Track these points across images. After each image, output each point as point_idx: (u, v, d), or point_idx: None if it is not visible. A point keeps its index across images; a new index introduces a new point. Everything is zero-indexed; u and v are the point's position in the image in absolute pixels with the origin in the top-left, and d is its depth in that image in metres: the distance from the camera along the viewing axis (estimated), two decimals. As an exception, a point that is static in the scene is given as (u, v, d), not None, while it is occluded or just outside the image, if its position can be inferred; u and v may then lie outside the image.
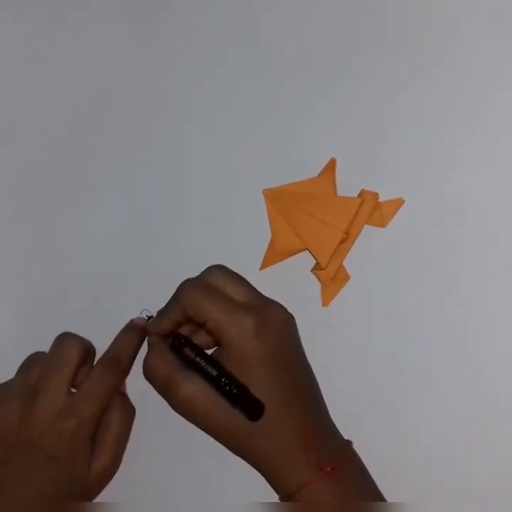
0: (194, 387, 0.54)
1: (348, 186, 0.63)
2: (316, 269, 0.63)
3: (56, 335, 0.63)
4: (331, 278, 0.62)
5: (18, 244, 0.66)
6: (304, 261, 0.63)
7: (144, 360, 0.57)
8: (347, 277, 0.63)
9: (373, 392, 0.63)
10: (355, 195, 0.63)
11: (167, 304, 0.58)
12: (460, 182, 0.63)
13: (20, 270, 0.66)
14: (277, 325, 0.55)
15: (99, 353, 0.60)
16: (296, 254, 0.64)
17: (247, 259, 0.64)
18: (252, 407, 0.54)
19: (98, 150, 0.66)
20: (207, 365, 0.55)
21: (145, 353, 0.58)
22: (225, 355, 0.54)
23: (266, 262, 0.64)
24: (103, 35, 0.67)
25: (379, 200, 0.63)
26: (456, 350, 0.62)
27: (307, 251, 0.63)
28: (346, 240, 0.62)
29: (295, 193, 0.63)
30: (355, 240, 0.63)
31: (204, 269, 0.59)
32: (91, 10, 0.67)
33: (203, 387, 0.54)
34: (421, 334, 0.63)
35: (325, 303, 0.63)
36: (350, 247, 0.63)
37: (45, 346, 0.62)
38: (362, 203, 0.62)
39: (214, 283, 0.56)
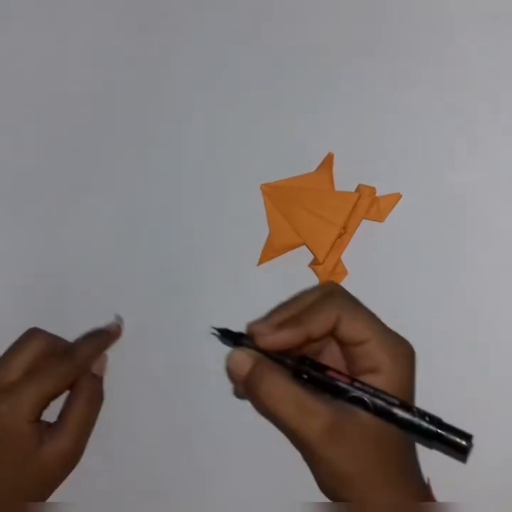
0: (350, 418, 0.48)
1: (345, 181, 0.63)
2: (314, 264, 0.63)
3: (55, 331, 0.63)
4: (329, 273, 0.62)
5: (18, 244, 0.66)
6: (302, 256, 0.63)
7: (259, 389, 0.49)
8: (345, 272, 0.63)
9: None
10: (353, 190, 0.63)
11: (300, 312, 0.50)
12: (457, 176, 0.63)
13: (21, 270, 0.66)
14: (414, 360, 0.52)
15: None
16: (294, 249, 0.64)
17: (245, 255, 0.64)
18: (462, 438, 0.49)
19: (98, 148, 0.67)
20: (377, 394, 0.48)
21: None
22: (381, 383, 0.49)
23: (264, 257, 0.64)
24: (103, 34, 0.68)
25: (376, 194, 0.63)
26: (455, 345, 0.62)
27: (305, 246, 0.63)
28: (344, 234, 0.62)
29: (292, 188, 0.63)
30: (352, 234, 0.63)
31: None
32: (91, 9, 0.68)
33: (362, 419, 0.48)
34: (419, 328, 0.62)
35: (323, 298, 0.63)
36: (348, 242, 0.63)
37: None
38: (359, 197, 0.62)
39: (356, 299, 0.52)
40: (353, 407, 0.48)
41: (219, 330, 0.54)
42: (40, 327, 0.63)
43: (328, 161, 0.63)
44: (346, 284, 0.63)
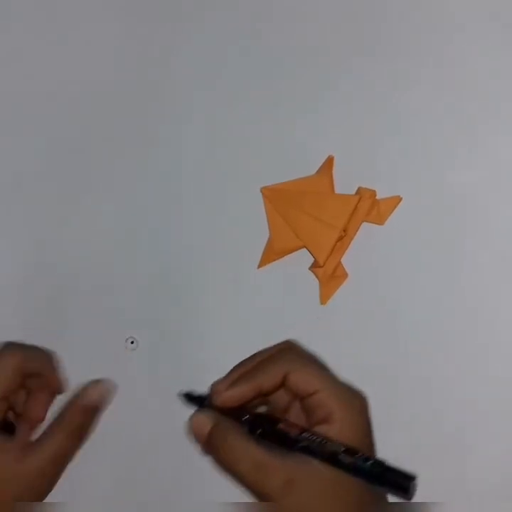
0: (305, 469, 0.49)
1: (345, 184, 0.63)
2: (314, 266, 0.63)
3: (55, 336, 0.63)
4: (329, 276, 0.62)
5: (18, 245, 0.66)
6: (302, 259, 0.63)
7: (219, 450, 0.51)
8: (345, 275, 0.63)
9: (372, 390, 0.62)
10: (353, 192, 0.63)
11: (252, 368, 0.53)
12: (458, 179, 0.63)
13: (21, 270, 0.66)
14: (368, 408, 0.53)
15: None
16: (294, 252, 0.64)
17: (245, 258, 0.64)
18: (404, 480, 0.49)
19: (98, 148, 0.67)
20: (324, 442, 0.49)
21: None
22: (335, 431, 0.50)
23: (264, 260, 0.64)
24: (103, 34, 0.67)
25: (376, 197, 0.63)
26: (455, 347, 0.62)
27: (305, 249, 0.63)
28: (344, 237, 0.62)
29: (293, 191, 0.63)
30: (353, 237, 0.63)
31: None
32: (91, 9, 0.68)
33: (316, 468, 0.49)
34: (420, 331, 0.62)
35: (323, 301, 0.63)
36: (348, 245, 0.63)
37: (46, 342, 0.63)
38: (359, 200, 0.62)
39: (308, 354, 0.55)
40: (307, 457, 0.49)
41: (183, 395, 0.57)
42: (40, 327, 0.63)
43: (328, 164, 0.63)
44: (346, 286, 0.63)
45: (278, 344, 0.55)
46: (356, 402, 0.52)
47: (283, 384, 0.52)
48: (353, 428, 0.50)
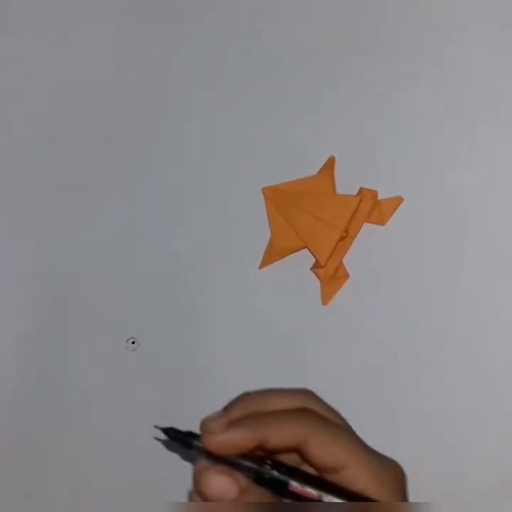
0: None
1: (346, 184, 0.63)
2: (316, 267, 0.63)
3: (56, 337, 0.63)
4: (331, 276, 0.62)
5: (17, 245, 0.66)
6: (304, 259, 0.63)
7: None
8: (346, 275, 0.63)
9: (373, 390, 0.63)
10: (354, 193, 0.63)
11: (262, 415, 0.41)
12: (459, 179, 0.63)
13: (21, 272, 0.66)
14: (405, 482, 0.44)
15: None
16: (296, 253, 0.64)
17: (247, 258, 0.64)
18: None
19: (98, 149, 0.66)
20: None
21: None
22: None
23: (265, 261, 0.64)
24: (103, 34, 0.67)
25: (378, 198, 0.63)
26: (456, 347, 0.62)
27: (306, 249, 0.63)
28: (345, 237, 0.62)
29: (294, 192, 0.63)
30: (354, 238, 0.63)
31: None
32: (90, 9, 0.68)
33: None
34: (421, 332, 0.62)
35: (324, 301, 0.63)
36: (349, 245, 0.63)
37: (45, 348, 0.62)
38: (361, 200, 0.62)
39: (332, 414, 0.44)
40: None
41: (164, 430, 0.43)
42: (39, 328, 0.63)
43: (329, 164, 0.63)
44: (348, 287, 0.63)
45: (297, 391, 0.44)
46: (389, 476, 0.42)
47: (297, 450, 0.42)
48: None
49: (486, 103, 0.64)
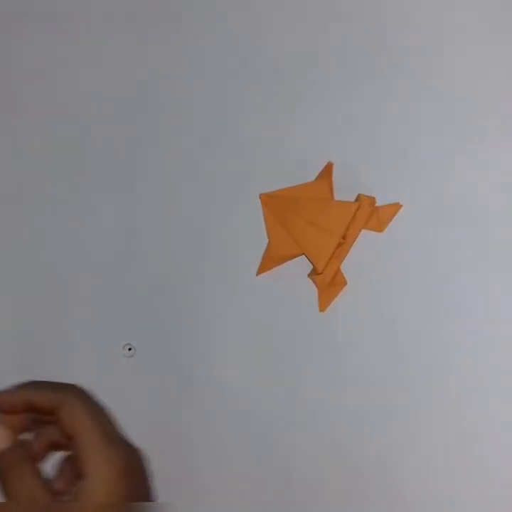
0: None
1: (344, 191, 0.63)
2: (313, 273, 0.63)
3: (53, 343, 0.63)
4: (328, 283, 0.62)
5: (17, 245, 0.66)
6: (301, 266, 0.63)
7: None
8: (344, 282, 0.63)
9: (370, 397, 0.63)
10: (352, 199, 0.63)
11: (31, 383, 0.49)
12: (457, 187, 0.63)
13: (19, 277, 0.66)
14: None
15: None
16: (293, 259, 0.63)
17: (244, 264, 0.64)
18: None
19: (97, 153, 0.66)
20: None
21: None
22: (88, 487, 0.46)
23: (263, 267, 0.63)
24: (103, 34, 0.67)
25: (376, 204, 0.62)
26: (454, 354, 0.62)
27: (304, 256, 0.63)
28: (343, 244, 0.62)
29: (292, 198, 0.63)
30: (352, 244, 0.62)
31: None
32: (90, 14, 0.67)
33: None
34: (418, 338, 0.62)
35: (322, 308, 0.63)
36: (347, 252, 0.62)
37: (42, 353, 0.62)
38: (359, 207, 0.62)
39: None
40: None
41: None
42: (39, 329, 0.63)
43: (327, 171, 0.63)
44: (345, 293, 0.63)
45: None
46: (116, 456, 0.47)
47: (54, 415, 0.47)
48: (110, 486, 0.46)
49: (486, 112, 0.64)
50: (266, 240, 0.63)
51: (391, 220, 0.63)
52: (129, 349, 0.64)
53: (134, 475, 0.48)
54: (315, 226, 0.62)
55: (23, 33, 0.67)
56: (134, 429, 0.63)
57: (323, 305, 0.63)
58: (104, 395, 0.63)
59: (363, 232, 0.63)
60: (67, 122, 0.67)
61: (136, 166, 0.66)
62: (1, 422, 0.48)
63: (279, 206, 0.63)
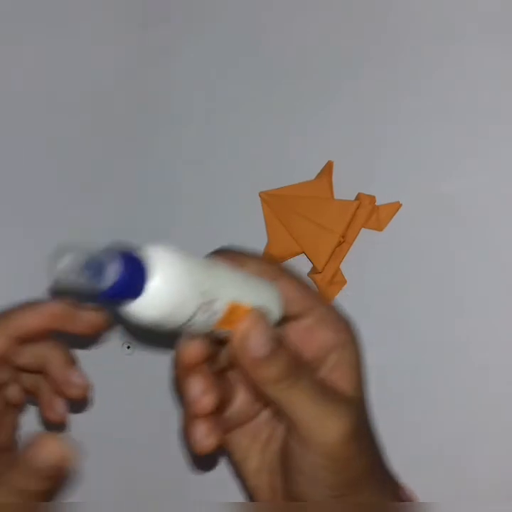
0: None
1: (344, 189, 0.63)
2: (313, 272, 0.63)
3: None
4: (328, 282, 0.62)
5: (17, 246, 0.66)
6: (301, 264, 0.63)
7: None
8: (344, 281, 0.63)
9: (369, 397, 0.63)
10: (352, 198, 0.63)
11: None
12: (457, 186, 0.62)
13: (17, 273, 0.66)
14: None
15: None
16: (293, 258, 0.63)
17: (243, 263, 0.63)
18: None
19: (96, 152, 0.66)
20: None
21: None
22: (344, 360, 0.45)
23: (262, 266, 0.63)
24: (103, 35, 0.67)
25: (376, 203, 0.62)
26: (454, 354, 0.62)
27: (303, 254, 0.63)
28: (343, 243, 0.62)
29: (291, 196, 0.63)
30: (352, 243, 0.62)
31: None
32: (90, 12, 0.67)
33: None
34: (418, 338, 0.62)
35: (321, 307, 0.63)
36: (347, 251, 0.62)
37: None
38: (359, 206, 0.62)
39: None
40: None
41: None
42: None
43: (327, 169, 0.63)
44: (345, 293, 0.63)
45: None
46: (347, 331, 0.45)
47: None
48: (361, 347, 0.44)
49: (486, 110, 0.63)
50: (265, 238, 0.63)
51: (391, 219, 0.63)
52: (128, 347, 0.64)
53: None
54: (315, 225, 0.62)
55: (22, 33, 0.67)
56: (133, 427, 0.64)
57: (322, 304, 0.63)
58: (102, 393, 0.64)
59: (363, 231, 0.63)
60: (67, 122, 0.67)
61: (134, 165, 0.66)
62: None
63: (278, 204, 0.63)
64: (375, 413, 0.62)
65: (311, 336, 0.43)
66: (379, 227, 0.62)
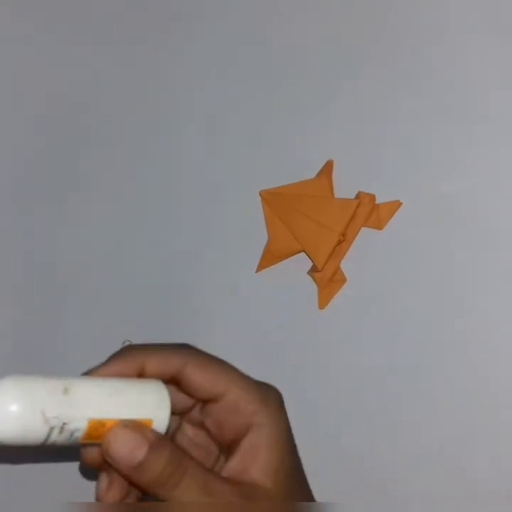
0: None
1: (345, 188, 0.63)
2: (313, 271, 0.63)
3: (51, 338, 0.63)
4: (328, 280, 0.62)
5: (17, 246, 0.66)
6: (301, 263, 0.63)
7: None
8: (344, 280, 0.63)
9: (369, 395, 0.63)
10: (352, 197, 0.63)
11: (139, 348, 0.44)
12: (457, 184, 0.62)
13: (17, 272, 0.66)
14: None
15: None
16: (293, 256, 0.63)
17: (243, 261, 0.64)
18: None
19: (97, 150, 0.66)
20: None
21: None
22: (264, 438, 0.43)
23: (262, 264, 0.63)
24: (103, 35, 0.67)
25: (376, 202, 0.62)
26: (454, 353, 0.62)
27: (304, 253, 0.63)
28: (343, 242, 0.62)
29: (292, 195, 0.63)
30: (352, 242, 0.62)
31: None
32: (91, 11, 0.67)
33: None
34: (418, 337, 0.62)
35: (321, 305, 0.63)
36: (347, 249, 0.62)
37: (40, 348, 0.62)
38: (359, 204, 0.62)
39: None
40: None
41: None
42: (38, 329, 0.63)
43: (327, 168, 0.63)
44: (345, 291, 0.63)
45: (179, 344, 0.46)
46: (270, 396, 0.43)
47: (176, 381, 0.43)
48: (281, 428, 0.43)
49: (485, 110, 0.64)
50: (265, 237, 0.63)
51: (391, 217, 0.63)
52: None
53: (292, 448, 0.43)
54: (315, 223, 0.62)
55: (22, 33, 0.68)
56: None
57: (322, 302, 0.63)
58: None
59: (363, 229, 0.63)
60: (67, 122, 0.67)
61: (135, 164, 0.66)
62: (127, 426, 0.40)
63: (279, 203, 0.63)
64: (375, 413, 0.62)
65: (226, 420, 0.42)
66: (379, 226, 0.62)
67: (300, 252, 0.63)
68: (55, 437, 0.37)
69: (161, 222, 0.65)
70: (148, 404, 0.41)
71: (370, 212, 0.62)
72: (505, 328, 0.62)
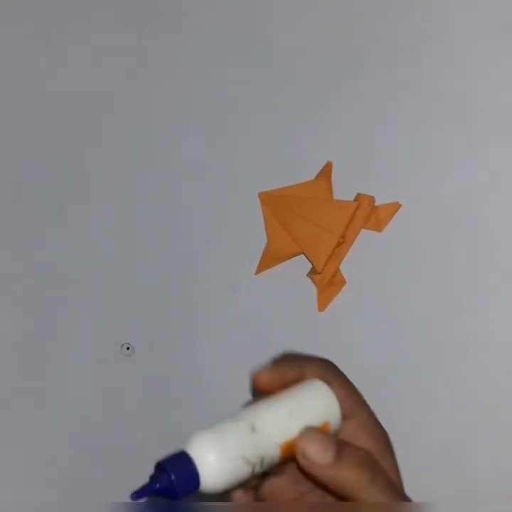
0: None
1: (344, 190, 0.63)
2: (312, 273, 0.63)
3: (52, 341, 0.63)
4: (327, 282, 0.62)
5: (17, 246, 0.66)
6: (300, 265, 0.63)
7: None
8: (343, 282, 0.63)
9: (369, 396, 0.63)
10: (351, 199, 0.63)
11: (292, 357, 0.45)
12: (456, 186, 0.62)
13: (18, 276, 0.66)
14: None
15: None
16: (292, 258, 0.63)
17: (243, 263, 0.64)
18: None
19: (97, 155, 0.66)
20: None
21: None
22: None
23: (262, 266, 0.63)
24: (103, 36, 0.67)
25: (375, 204, 0.62)
26: (454, 353, 0.62)
27: (303, 255, 0.63)
28: (342, 243, 0.62)
29: (291, 197, 0.63)
30: (351, 244, 0.62)
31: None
32: (91, 12, 0.67)
33: None
34: (418, 337, 0.62)
35: (321, 307, 0.63)
36: (346, 251, 0.62)
37: (40, 352, 0.62)
38: (358, 206, 0.61)
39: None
40: None
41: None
42: (38, 330, 0.63)
43: (326, 170, 0.63)
44: (344, 293, 0.63)
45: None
46: (384, 437, 0.45)
47: None
48: (393, 463, 0.45)
49: (485, 111, 0.63)
50: (265, 239, 0.63)
51: (390, 219, 0.62)
52: (127, 348, 0.64)
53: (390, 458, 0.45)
54: (314, 225, 0.62)
55: (23, 34, 0.67)
56: (132, 427, 0.64)
57: (322, 304, 0.63)
58: (102, 394, 0.64)
59: (362, 231, 0.63)
60: (67, 122, 0.67)
61: (135, 165, 0.66)
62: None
63: (278, 205, 0.63)
64: (375, 413, 0.62)
65: (352, 440, 0.43)
66: (378, 228, 0.62)
67: (299, 254, 0.63)
68: (257, 471, 0.39)
69: (161, 223, 0.65)
70: (321, 408, 0.42)
71: (370, 214, 0.62)
72: (505, 328, 0.62)
